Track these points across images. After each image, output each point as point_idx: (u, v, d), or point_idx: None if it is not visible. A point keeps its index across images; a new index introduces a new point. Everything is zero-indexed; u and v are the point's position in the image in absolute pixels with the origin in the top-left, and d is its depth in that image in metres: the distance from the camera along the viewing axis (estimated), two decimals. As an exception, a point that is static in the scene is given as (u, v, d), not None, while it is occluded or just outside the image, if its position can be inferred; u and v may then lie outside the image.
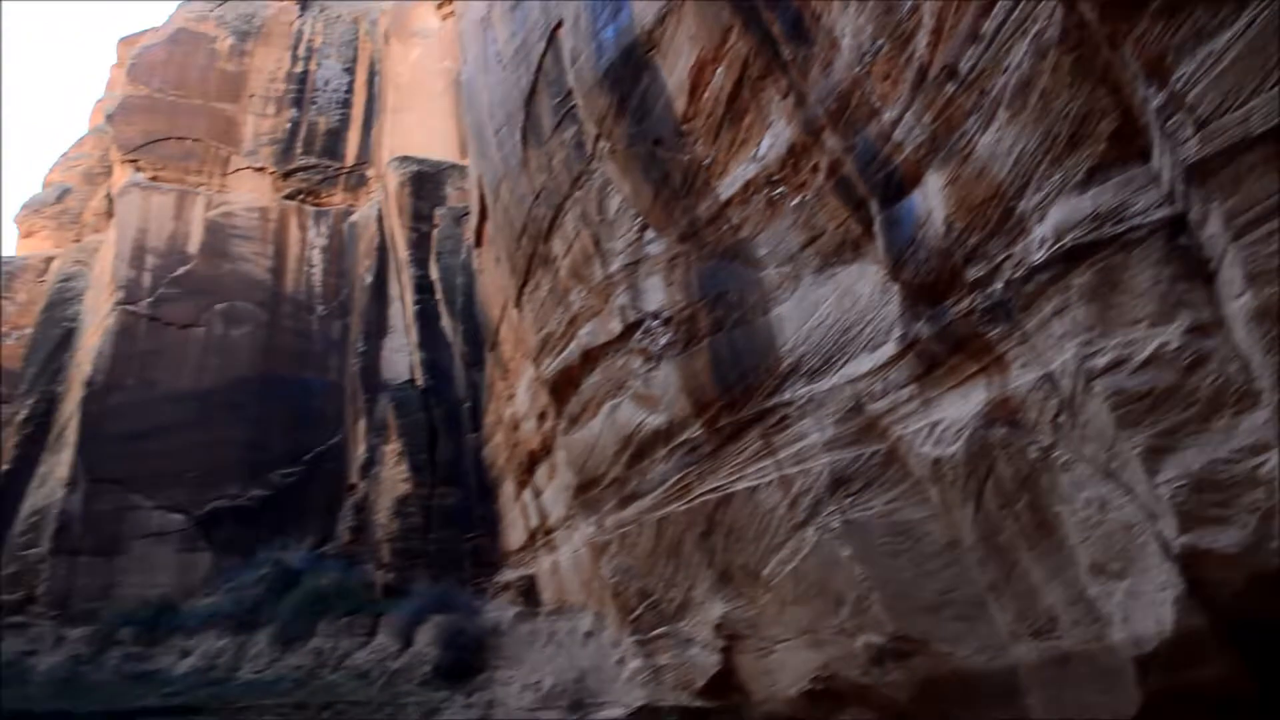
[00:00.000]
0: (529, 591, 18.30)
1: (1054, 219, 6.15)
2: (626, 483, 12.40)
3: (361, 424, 25.81)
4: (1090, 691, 6.77)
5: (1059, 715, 7.06)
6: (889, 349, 7.97)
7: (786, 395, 9.23)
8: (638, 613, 12.61)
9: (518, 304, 15.67)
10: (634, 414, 11.90)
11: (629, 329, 11.73)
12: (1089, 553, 6.39)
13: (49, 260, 34.68)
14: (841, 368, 8.56)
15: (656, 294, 11.16)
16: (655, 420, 11.46)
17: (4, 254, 37.01)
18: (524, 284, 14.98)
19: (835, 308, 8.61)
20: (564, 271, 13.20)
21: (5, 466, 27.95)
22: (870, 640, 8.53)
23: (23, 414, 28.93)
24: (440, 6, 33.23)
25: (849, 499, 8.49)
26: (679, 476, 11.18)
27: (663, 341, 11.06)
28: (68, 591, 23.24)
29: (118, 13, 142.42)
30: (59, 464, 26.27)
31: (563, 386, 13.83)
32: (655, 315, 11.19)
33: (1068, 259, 6.08)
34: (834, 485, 8.64)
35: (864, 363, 8.28)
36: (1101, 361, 5.94)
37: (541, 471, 17.36)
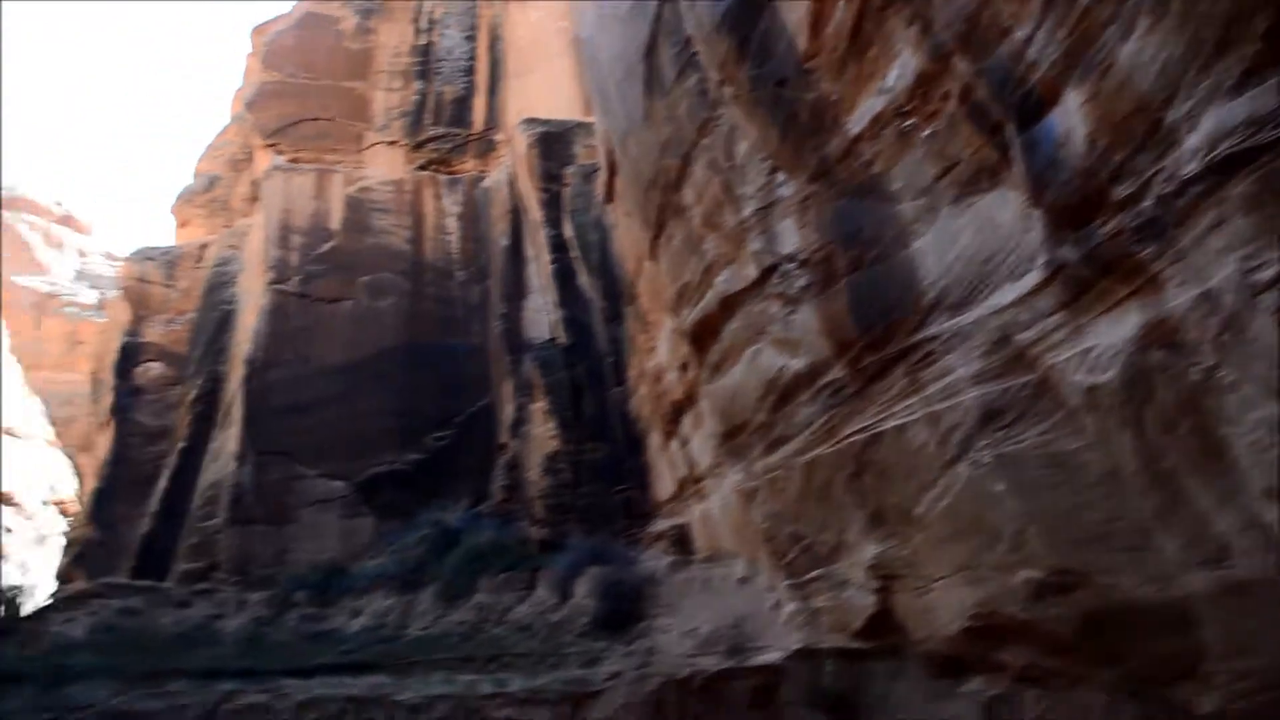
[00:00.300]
0: (681, 540, 18.48)
1: (1206, 128, 5.84)
2: (772, 428, 12.37)
3: (508, 385, 26.36)
4: (1271, 622, 6.51)
5: (1237, 647, 6.82)
6: (1034, 277, 7.71)
7: (930, 330, 9.04)
8: (791, 557, 12.63)
9: (652, 256, 15.71)
10: (775, 358, 11.84)
11: (765, 274, 11.64)
12: (1262, 476, 6.10)
13: (204, 247, 36.34)
14: (985, 299, 8.33)
15: (791, 237, 11.04)
16: (797, 363, 11.38)
17: (164, 244, 38.88)
18: (657, 236, 15.00)
19: (975, 238, 8.36)
20: (696, 220, 13.16)
21: (181, 444, 29.63)
22: (1030, 575, 8.35)
23: (193, 394, 30.56)
24: (554, -34, 33.28)
25: (1000, 432, 8.29)
26: (825, 419, 11.09)
27: (799, 284, 10.94)
28: (246, 559, 24.54)
29: (252, 5, 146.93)
30: (229, 439, 27.66)
31: (703, 335, 13.84)
32: (791, 258, 11.07)
33: (1224, 169, 5.77)
34: (984, 419, 8.45)
35: (1008, 293, 8.03)
36: (1266, 275, 5.64)
37: (687, 421, 17.45)
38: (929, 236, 8.94)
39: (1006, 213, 7.96)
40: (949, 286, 8.74)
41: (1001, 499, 8.41)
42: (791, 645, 12.73)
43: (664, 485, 19.92)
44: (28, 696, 15.54)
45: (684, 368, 16.60)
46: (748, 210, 11.75)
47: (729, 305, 12.78)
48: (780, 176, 11.06)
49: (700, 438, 16.67)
